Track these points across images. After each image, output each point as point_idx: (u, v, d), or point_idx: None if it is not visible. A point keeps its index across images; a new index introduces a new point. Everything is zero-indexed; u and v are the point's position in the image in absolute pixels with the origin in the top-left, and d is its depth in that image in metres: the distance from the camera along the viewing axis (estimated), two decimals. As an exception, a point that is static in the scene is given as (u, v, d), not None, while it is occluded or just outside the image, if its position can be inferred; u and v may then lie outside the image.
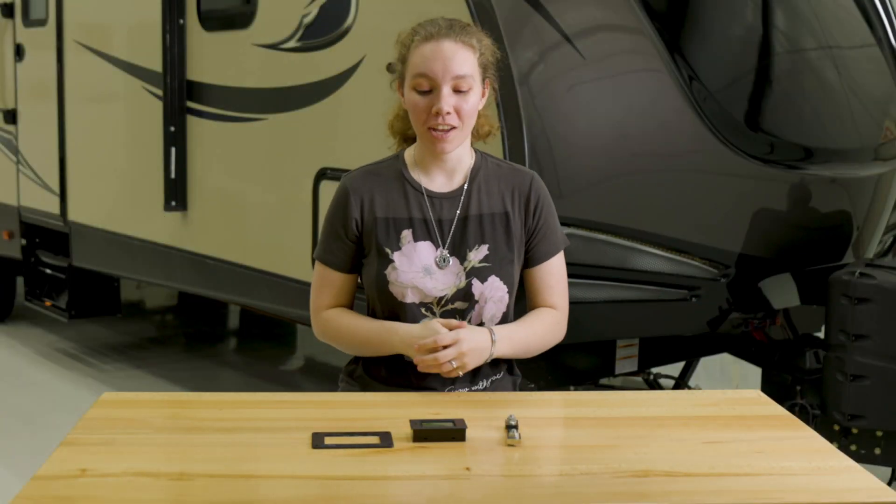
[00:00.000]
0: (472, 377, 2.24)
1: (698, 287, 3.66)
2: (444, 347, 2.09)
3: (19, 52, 6.19)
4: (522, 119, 3.29)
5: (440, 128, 2.15)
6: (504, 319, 2.25)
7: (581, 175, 3.42)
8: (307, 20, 4.09)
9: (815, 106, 3.99)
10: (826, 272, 3.78)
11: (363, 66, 3.80)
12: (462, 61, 2.15)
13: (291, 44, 4.16)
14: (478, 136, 2.32)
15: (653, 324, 3.72)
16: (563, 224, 3.34)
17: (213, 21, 4.67)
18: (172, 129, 4.76)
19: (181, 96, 4.75)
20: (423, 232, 2.21)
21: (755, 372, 4.33)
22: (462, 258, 2.21)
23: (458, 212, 2.23)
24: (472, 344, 2.12)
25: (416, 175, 2.26)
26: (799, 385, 3.86)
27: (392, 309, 2.21)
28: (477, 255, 2.21)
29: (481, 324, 2.22)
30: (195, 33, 4.72)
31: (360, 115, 3.78)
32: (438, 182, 2.25)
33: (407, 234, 2.21)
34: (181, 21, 4.74)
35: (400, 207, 2.23)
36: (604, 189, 3.44)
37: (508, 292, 2.22)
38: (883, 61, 4.31)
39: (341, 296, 2.31)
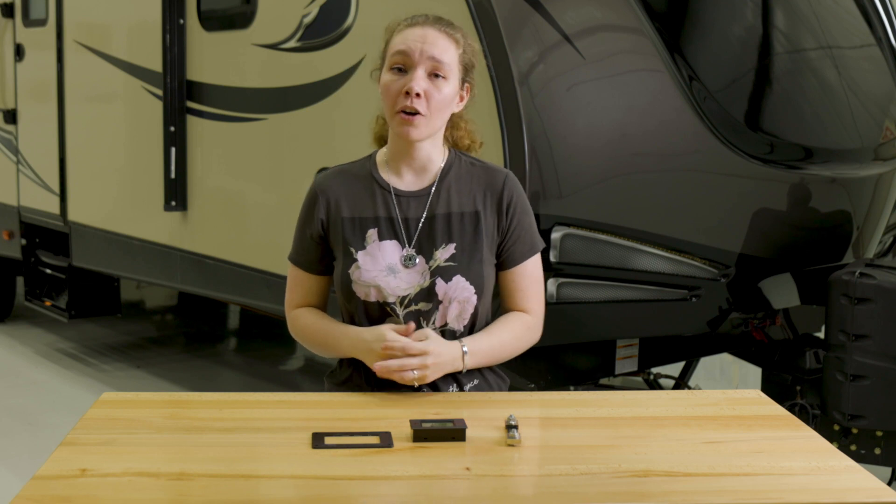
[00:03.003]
0: (434, 386, 2.20)
1: (698, 287, 3.66)
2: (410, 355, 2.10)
3: (19, 52, 6.19)
4: (522, 119, 3.29)
5: (408, 110, 2.11)
6: (475, 321, 2.20)
7: (581, 175, 3.42)
8: (307, 20, 4.09)
9: (815, 106, 3.99)
10: (826, 272, 3.78)
11: (363, 66, 3.80)
12: (443, 49, 2.13)
13: (291, 44, 4.17)
14: (457, 147, 2.29)
15: (653, 324, 3.72)
16: (563, 224, 3.39)
17: (213, 21, 4.67)
18: (172, 129, 4.76)
19: (181, 96, 4.76)
20: (389, 231, 2.19)
21: (755, 372, 4.33)
22: (428, 257, 2.18)
23: (426, 211, 2.20)
24: (439, 359, 2.11)
25: (386, 174, 2.24)
26: (799, 385, 3.86)
27: (356, 308, 2.19)
28: (443, 253, 2.17)
29: (445, 325, 2.18)
30: (195, 33, 4.72)
31: (360, 115, 3.77)
32: (407, 181, 2.23)
33: (372, 233, 2.19)
34: (181, 21, 4.75)
35: (366, 207, 2.21)
36: (604, 189, 3.44)
37: (477, 293, 2.17)
38: (883, 61, 4.31)
39: (311, 296, 2.31)
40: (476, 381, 2.25)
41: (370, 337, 2.13)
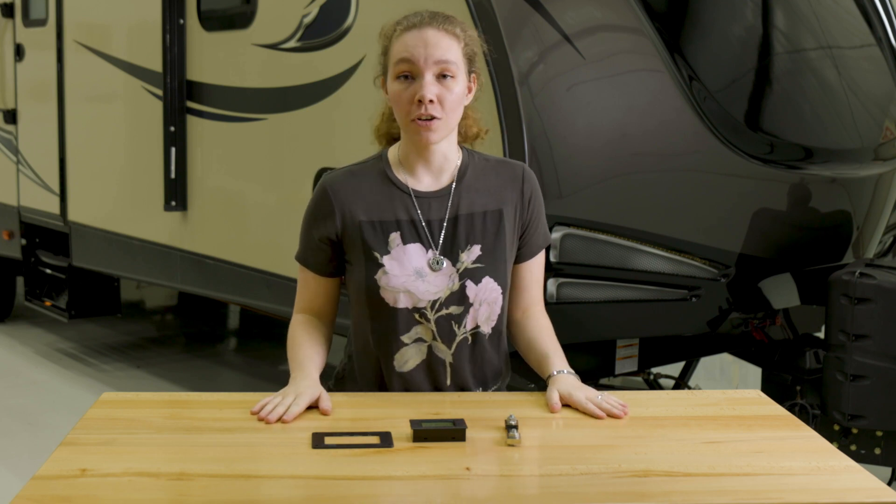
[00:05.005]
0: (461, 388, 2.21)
1: (698, 287, 3.66)
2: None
3: (19, 52, 6.19)
4: (522, 119, 3.29)
5: (423, 117, 2.06)
6: (499, 322, 2.19)
7: (581, 175, 3.42)
8: (307, 20, 4.09)
9: (815, 106, 3.99)
10: (826, 272, 3.78)
11: (363, 66, 3.80)
12: (446, 48, 2.08)
13: (291, 44, 4.17)
14: (466, 137, 2.25)
15: (653, 324, 3.72)
16: (563, 224, 3.39)
17: (213, 21, 4.67)
18: (172, 129, 4.76)
19: (181, 96, 4.76)
20: (412, 234, 2.14)
21: (755, 372, 4.33)
22: (454, 260, 2.14)
23: (448, 211, 2.15)
24: (587, 391, 2.11)
25: (401, 175, 2.18)
26: (799, 385, 3.86)
27: (383, 315, 2.14)
28: (469, 255, 2.14)
29: (477, 327, 2.16)
30: (195, 33, 4.72)
31: (360, 115, 3.77)
32: (425, 182, 2.17)
33: (395, 236, 2.13)
34: (181, 21, 4.75)
35: (386, 209, 2.15)
36: (604, 189, 3.44)
37: (503, 293, 2.16)
38: (883, 61, 4.31)
39: (319, 298, 2.25)
40: (497, 385, 2.26)
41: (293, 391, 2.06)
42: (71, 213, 5.73)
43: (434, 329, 2.14)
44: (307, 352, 2.18)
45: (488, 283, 2.14)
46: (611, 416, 2.04)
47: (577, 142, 3.42)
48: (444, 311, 2.13)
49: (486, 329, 2.17)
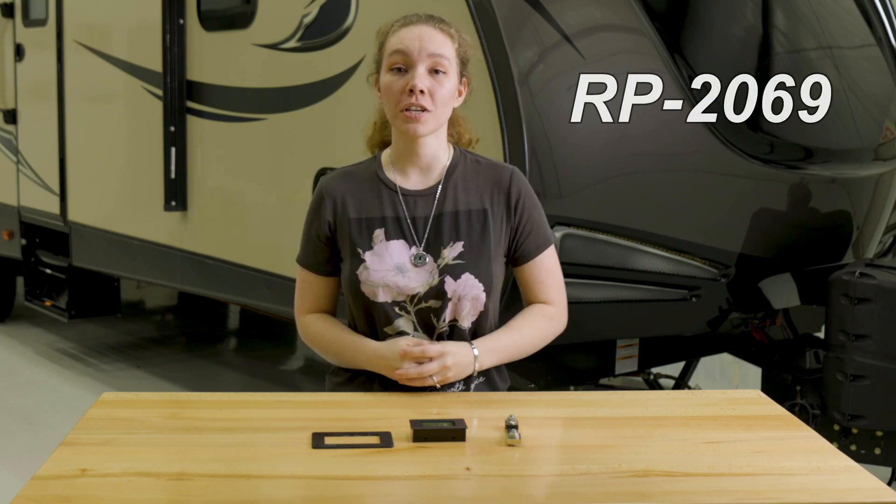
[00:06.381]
0: (448, 385, 2.21)
1: (698, 287, 3.66)
2: (427, 360, 2.11)
3: (19, 52, 6.19)
4: (522, 119, 3.29)
5: (413, 109, 2.12)
6: (482, 319, 2.21)
7: (581, 175, 3.42)
8: (307, 20, 4.09)
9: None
10: (826, 272, 3.78)
11: (363, 67, 3.80)
12: (440, 43, 2.15)
13: (291, 44, 4.17)
14: (458, 144, 2.31)
15: (653, 324, 3.72)
16: (563, 224, 3.39)
17: (213, 21, 4.67)
18: (172, 129, 4.76)
19: (181, 96, 4.76)
20: (397, 230, 2.19)
21: (755, 372, 4.33)
22: (437, 256, 2.18)
23: (433, 209, 2.20)
24: (457, 359, 2.12)
25: (392, 174, 2.24)
26: (799, 385, 3.86)
27: (365, 309, 2.19)
28: (451, 252, 2.18)
29: (455, 321, 2.19)
30: (195, 33, 4.72)
31: (360, 115, 3.76)
32: (413, 180, 2.23)
33: (379, 233, 2.19)
34: (181, 21, 4.75)
35: (373, 207, 2.21)
36: (604, 189, 3.44)
37: (486, 290, 2.19)
38: (883, 61, 4.31)
39: (321, 299, 2.31)
40: (482, 379, 2.26)
41: (388, 353, 2.14)
42: (71, 213, 5.73)
43: (415, 321, 2.19)
44: (350, 334, 2.23)
45: (468, 279, 2.17)
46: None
47: (577, 142, 3.42)
48: (423, 305, 2.18)
49: (464, 324, 2.20)
